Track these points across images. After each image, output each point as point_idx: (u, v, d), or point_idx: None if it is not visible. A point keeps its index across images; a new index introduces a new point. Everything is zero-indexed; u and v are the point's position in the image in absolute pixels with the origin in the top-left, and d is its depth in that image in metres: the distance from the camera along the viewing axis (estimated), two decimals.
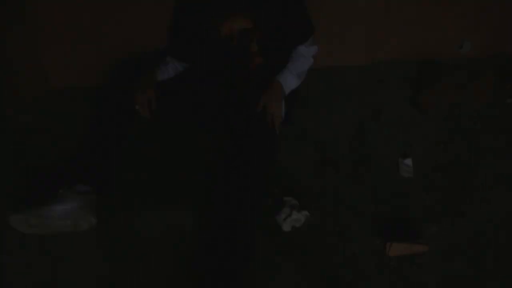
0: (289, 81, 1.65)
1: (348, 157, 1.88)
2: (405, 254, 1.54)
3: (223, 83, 1.68)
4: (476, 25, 2.25)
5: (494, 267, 1.54)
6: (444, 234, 1.62)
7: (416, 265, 1.53)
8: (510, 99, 2.12)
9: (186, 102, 1.69)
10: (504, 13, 2.23)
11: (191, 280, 1.42)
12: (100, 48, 2.03)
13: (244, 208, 1.43)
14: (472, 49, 2.29)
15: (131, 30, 1.99)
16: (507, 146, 1.93)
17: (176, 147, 1.88)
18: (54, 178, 1.63)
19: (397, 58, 2.28)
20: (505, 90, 2.14)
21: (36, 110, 2.03)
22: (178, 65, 1.74)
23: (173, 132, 1.91)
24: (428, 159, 1.87)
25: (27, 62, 2.03)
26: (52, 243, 1.54)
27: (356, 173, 1.82)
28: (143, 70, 1.67)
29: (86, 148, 1.64)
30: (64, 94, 2.09)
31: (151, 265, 1.51)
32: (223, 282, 1.37)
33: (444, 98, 2.09)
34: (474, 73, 2.18)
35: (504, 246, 1.60)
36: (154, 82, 1.63)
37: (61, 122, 1.98)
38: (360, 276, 1.51)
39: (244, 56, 1.59)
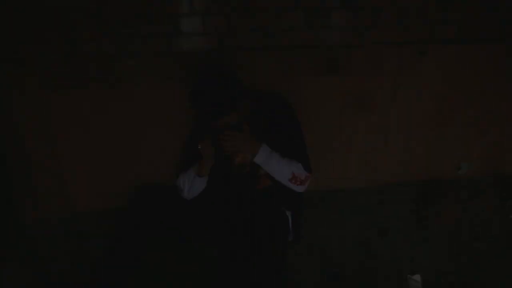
0: (270, 158, 1.69)
1: (355, 272, 1.96)
2: None
3: (234, 204, 1.82)
4: (474, 147, 2.38)
5: None
6: None
7: None
8: None
9: (199, 224, 1.83)
10: (501, 136, 2.37)
11: None
12: (120, 175, 2.21)
13: None
14: (471, 170, 2.39)
15: (149, 161, 2.20)
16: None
17: (191, 269, 2.00)
18: None
19: (398, 181, 2.41)
20: (506, 206, 2.25)
21: (56, 230, 2.17)
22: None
23: (186, 253, 2.04)
24: (435, 274, 1.94)
25: (53, 187, 2.20)
26: None
27: None
28: (162, 195, 1.86)
29: (103, 267, 1.76)
30: (85, 216, 2.23)
31: None
32: None
33: (447, 215, 2.20)
34: (475, 191, 2.31)
35: None
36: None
37: (80, 241, 2.12)
38: None
39: (253, 179, 1.79)
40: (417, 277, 1.92)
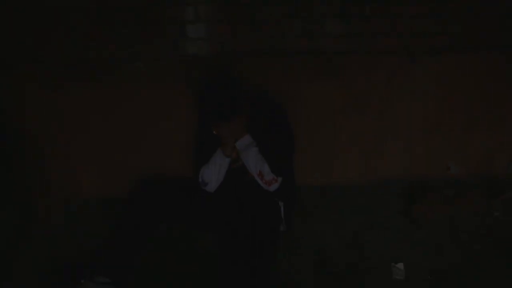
0: (249, 148, 1.89)
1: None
2: None
3: (229, 193, 1.95)
4: (463, 148, 2.43)
5: None
6: None
7: None
8: (497, 212, 2.26)
9: (203, 214, 1.95)
10: (488, 138, 2.41)
11: None
12: (126, 165, 2.33)
13: None
14: (459, 171, 2.45)
15: (154, 155, 2.33)
16: (498, 256, 2.01)
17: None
18: (77, 270, 1.79)
19: (389, 179, 2.45)
20: (490, 205, 2.29)
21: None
22: None
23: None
24: (421, 265, 1.97)
25: (62, 174, 2.33)
26: None
27: (352, 277, 1.93)
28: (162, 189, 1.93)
29: (108, 246, 1.83)
30: (91, 202, 2.36)
31: None
32: None
33: (435, 210, 2.23)
34: (461, 190, 2.33)
35: None
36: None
37: (87, 224, 2.22)
38: None
39: (243, 171, 1.93)
40: (400, 265, 1.95)
